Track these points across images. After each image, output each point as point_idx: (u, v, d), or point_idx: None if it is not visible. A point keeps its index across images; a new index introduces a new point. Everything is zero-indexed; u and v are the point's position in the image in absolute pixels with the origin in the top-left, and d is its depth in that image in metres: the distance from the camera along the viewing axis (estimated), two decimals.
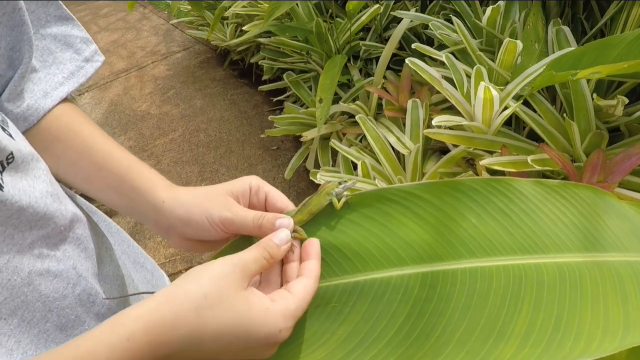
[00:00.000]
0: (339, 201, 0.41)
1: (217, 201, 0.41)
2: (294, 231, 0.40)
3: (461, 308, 0.37)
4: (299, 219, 0.41)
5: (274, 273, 0.38)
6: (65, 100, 0.43)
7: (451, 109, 1.32)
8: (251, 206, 0.43)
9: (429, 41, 1.58)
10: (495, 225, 0.41)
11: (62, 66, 0.43)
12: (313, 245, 0.39)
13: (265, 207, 0.43)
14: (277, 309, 0.32)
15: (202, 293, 0.30)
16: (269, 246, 0.35)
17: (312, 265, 0.37)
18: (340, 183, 0.43)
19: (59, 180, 0.42)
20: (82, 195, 0.49)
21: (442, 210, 0.41)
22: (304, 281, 0.35)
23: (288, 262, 0.38)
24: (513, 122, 1.20)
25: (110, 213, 1.86)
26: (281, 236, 0.37)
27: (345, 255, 0.40)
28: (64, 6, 0.44)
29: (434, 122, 0.88)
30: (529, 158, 0.79)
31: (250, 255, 0.34)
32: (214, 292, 0.30)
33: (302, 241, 0.41)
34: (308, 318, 0.38)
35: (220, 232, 0.41)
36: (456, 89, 1.01)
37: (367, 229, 0.41)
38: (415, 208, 0.41)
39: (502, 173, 0.90)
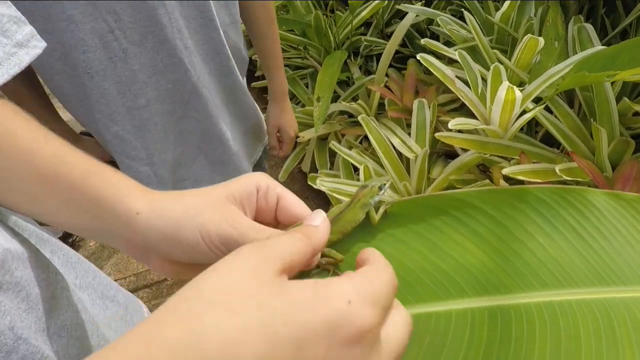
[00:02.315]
0: (376, 211, 0.33)
1: (216, 212, 0.30)
2: (324, 255, 0.31)
3: (550, 352, 0.30)
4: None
5: None
6: None
7: (458, 111, 1.24)
8: (259, 212, 0.33)
9: (433, 38, 1.50)
10: (567, 247, 0.34)
11: None
12: (367, 252, 0.26)
13: (276, 214, 0.33)
14: (331, 281, 0.21)
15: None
16: (306, 230, 0.26)
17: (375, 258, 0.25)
18: (380, 187, 0.34)
19: None
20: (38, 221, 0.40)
21: (504, 225, 0.34)
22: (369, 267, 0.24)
23: None
24: (525, 126, 1.12)
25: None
26: (318, 217, 0.27)
27: None
28: None
29: (450, 125, 0.80)
30: (557, 168, 0.71)
31: (283, 244, 0.23)
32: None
33: (336, 268, 0.31)
34: None
35: (220, 254, 0.30)
36: (470, 89, 0.93)
37: (414, 248, 0.33)
38: (471, 222, 0.34)
39: (522, 183, 0.82)
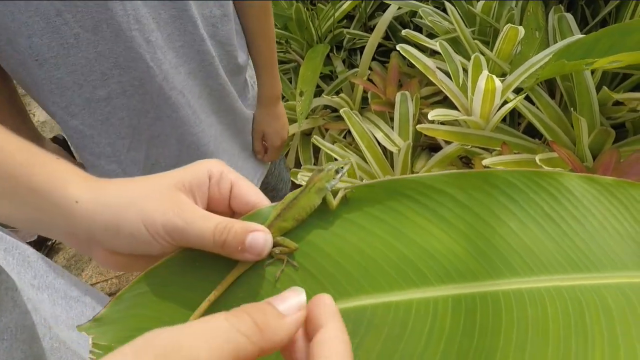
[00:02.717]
0: (334, 196, 0.31)
1: (162, 200, 0.28)
2: (276, 244, 0.30)
3: (515, 343, 0.28)
4: (279, 227, 0.30)
5: None
6: None
7: (441, 103, 1.23)
8: (212, 201, 0.31)
9: (416, 30, 1.49)
10: (540, 233, 0.32)
11: None
12: (324, 304, 0.22)
13: (230, 202, 0.31)
14: None
15: None
16: (262, 318, 0.19)
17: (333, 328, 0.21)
18: (337, 171, 0.33)
19: None
20: None
21: (472, 211, 0.32)
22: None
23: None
24: (508, 117, 1.12)
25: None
26: (290, 299, 0.21)
27: (345, 269, 0.31)
28: None
29: (430, 116, 0.78)
30: (537, 158, 0.70)
31: (204, 346, 0.17)
32: None
33: (290, 258, 0.30)
34: None
35: (166, 244, 0.29)
36: (451, 80, 0.92)
37: (374, 234, 0.31)
38: (437, 207, 0.32)
39: None
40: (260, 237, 0.28)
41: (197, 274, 0.30)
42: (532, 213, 0.33)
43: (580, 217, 0.33)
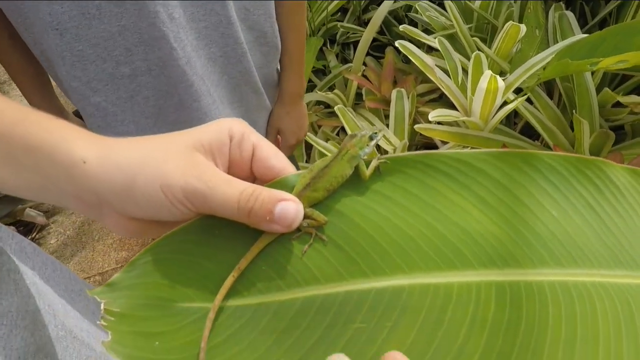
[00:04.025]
0: (367, 166, 0.29)
1: (180, 161, 0.25)
2: (306, 217, 0.27)
3: (565, 342, 0.26)
4: (309, 197, 0.28)
5: None
6: None
7: (437, 101, 1.21)
8: (232, 164, 0.28)
9: (411, 25, 1.46)
10: (583, 224, 0.30)
11: None
12: None
13: (252, 166, 0.29)
14: None
15: None
16: None
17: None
18: (370, 137, 0.30)
19: None
20: None
21: (512, 192, 0.30)
22: None
23: None
24: (504, 118, 1.10)
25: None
26: None
27: (379, 245, 0.28)
28: None
29: (430, 117, 0.76)
30: None
31: None
32: None
33: (319, 231, 0.28)
34: (317, 342, 0.26)
35: (184, 210, 0.26)
36: (450, 78, 0.89)
37: (410, 211, 0.29)
38: (475, 186, 0.30)
39: None
40: (291, 207, 0.26)
41: (217, 244, 0.28)
42: (575, 202, 0.30)
43: (623, 212, 0.31)
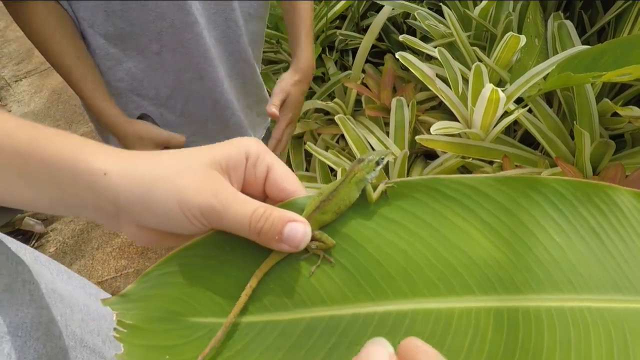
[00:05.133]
0: (374, 189, 0.30)
1: (197, 178, 0.27)
2: (314, 239, 0.28)
3: None
4: (318, 219, 0.29)
5: None
6: None
7: (436, 109, 1.21)
8: (245, 183, 0.30)
9: (409, 33, 1.46)
10: (585, 249, 0.31)
11: None
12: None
13: (265, 186, 0.30)
14: None
15: None
16: None
17: None
18: (377, 162, 0.31)
19: None
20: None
21: (517, 217, 0.30)
22: None
23: None
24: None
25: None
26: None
27: (384, 269, 0.29)
28: None
29: (432, 130, 0.76)
30: (544, 175, 0.68)
31: None
32: None
33: (327, 254, 0.29)
34: None
35: (199, 225, 0.27)
36: (450, 88, 0.89)
37: (416, 235, 0.30)
38: (480, 211, 0.30)
39: None
40: (299, 228, 0.27)
41: (228, 260, 0.29)
42: (578, 227, 0.31)
43: (625, 235, 0.31)
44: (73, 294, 0.41)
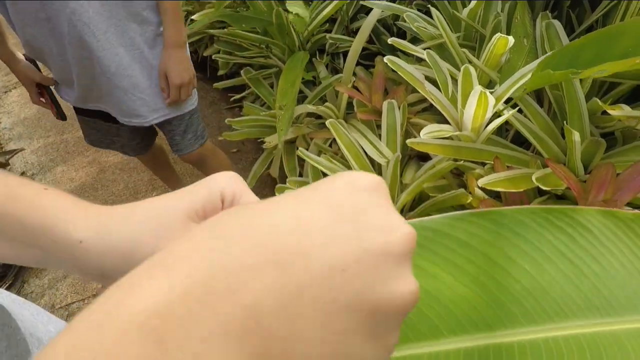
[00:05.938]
0: None
1: (174, 234, 0.26)
2: None
3: None
4: None
5: None
6: None
7: (428, 110, 1.21)
8: None
9: (400, 34, 1.46)
10: (557, 274, 0.31)
11: None
12: None
13: None
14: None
15: None
16: None
17: None
18: None
19: None
20: None
21: (482, 252, 0.31)
22: None
23: None
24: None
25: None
26: None
27: None
28: None
29: (422, 134, 0.75)
30: (534, 177, 0.68)
31: None
32: None
33: None
34: None
35: None
36: (440, 91, 0.89)
37: None
38: (445, 252, 0.30)
39: (498, 193, 0.80)
40: None
41: None
42: (546, 251, 0.31)
43: (598, 256, 0.31)
44: (53, 336, 0.40)
